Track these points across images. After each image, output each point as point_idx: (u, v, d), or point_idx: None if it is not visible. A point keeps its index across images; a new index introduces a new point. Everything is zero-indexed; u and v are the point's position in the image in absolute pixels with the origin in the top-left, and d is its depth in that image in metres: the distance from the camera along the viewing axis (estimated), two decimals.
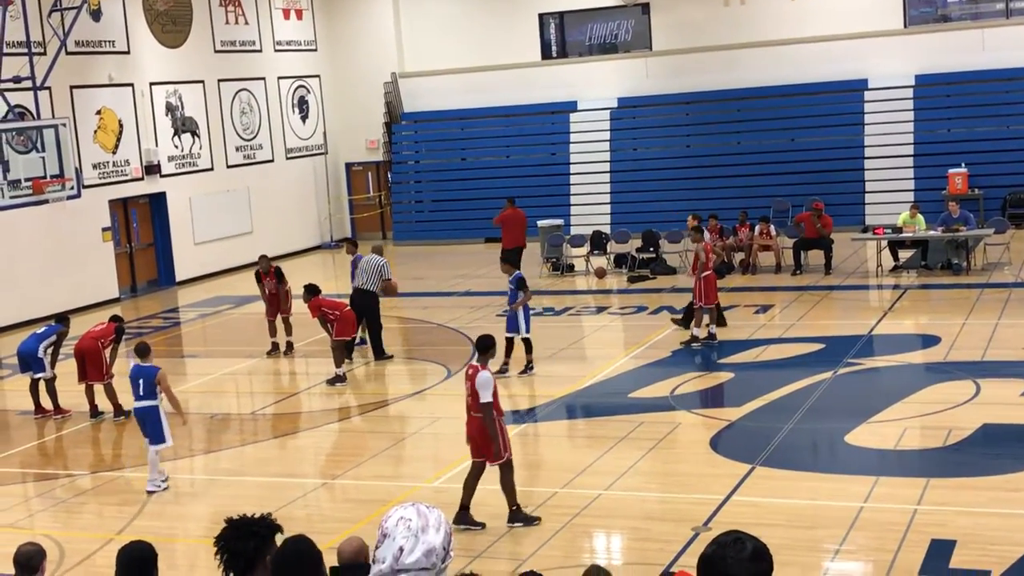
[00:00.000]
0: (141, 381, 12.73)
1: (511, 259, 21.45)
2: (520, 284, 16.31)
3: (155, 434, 12.66)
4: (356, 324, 17.29)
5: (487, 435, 10.51)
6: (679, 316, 18.48)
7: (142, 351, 13.25)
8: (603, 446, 12.80)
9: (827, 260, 22.51)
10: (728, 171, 28.41)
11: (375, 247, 18.54)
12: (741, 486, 11.31)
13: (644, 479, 11.92)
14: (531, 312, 16.72)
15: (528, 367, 16.33)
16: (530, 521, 10.63)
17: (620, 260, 24.53)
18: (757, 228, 23.59)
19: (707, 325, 17.38)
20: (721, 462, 12.22)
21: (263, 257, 19.25)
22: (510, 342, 16.31)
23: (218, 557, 4.77)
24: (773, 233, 23.50)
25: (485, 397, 10.47)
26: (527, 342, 16.38)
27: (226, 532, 4.70)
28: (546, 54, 31.45)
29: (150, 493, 12.50)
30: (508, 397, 15.43)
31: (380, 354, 17.90)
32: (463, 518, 10.54)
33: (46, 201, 20.42)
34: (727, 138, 29.02)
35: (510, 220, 23.72)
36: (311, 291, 17.10)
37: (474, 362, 10.83)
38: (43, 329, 16.34)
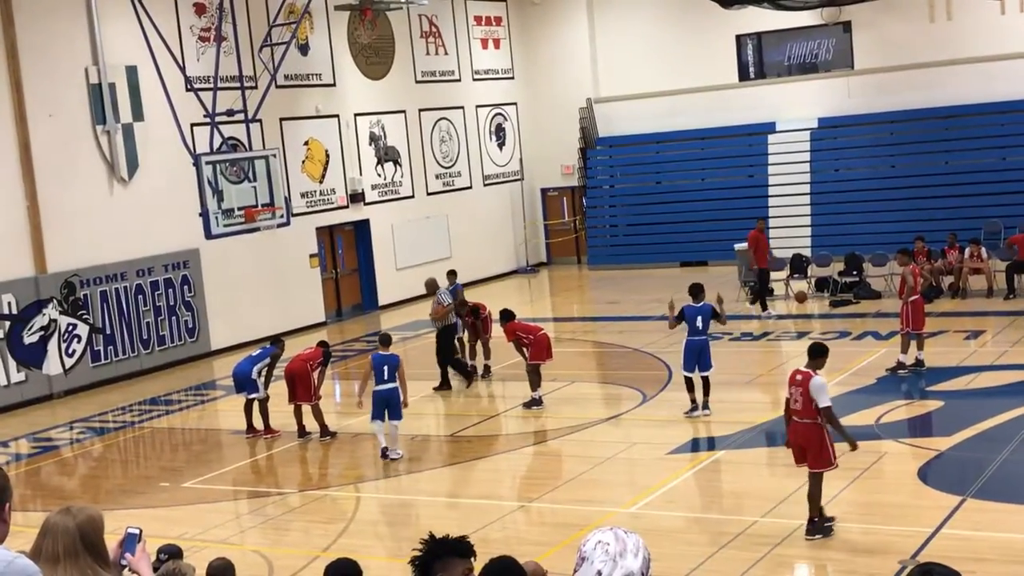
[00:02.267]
0: (386, 367, 14.59)
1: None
2: (680, 313, 15.57)
3: (394, 412, 14.59)
4: (550, 348, 17.31)
5: (815, 441, 10.55)
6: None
7: (385, 340, 15.22)
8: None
9: None
10: (936, 192, 27.43)
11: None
12: (951, 519, 10.90)
13: (848, 509, 11.57)
14: (704, 339, 15.55)
15: (692, 408, 15.48)
16: (827, 532, 10.63)
17: (821, 284, 23.96)
18: (967, 250, 22.70)
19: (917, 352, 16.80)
20: (930, 493, 11.82)
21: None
22: (689, 380, 15.53)
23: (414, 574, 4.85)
24: (984, 256, 22.55)
25: (823, 402, 10.61)
26: (701, 380, 15.57)
27: (423, 548, 4.75)
28: (743, 75, 31.05)
29: (394, 459, 14.46)
30: (700, 423, 15.26)
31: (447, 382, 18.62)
32: (814, 528, 10.62)
33: (257, 229, 21.31)
34: (934, 157, 28.05)
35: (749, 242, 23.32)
36: (506, 316, 17.33)
37: (803, 368, 10.84)
38: (257, 352, 16.92)
